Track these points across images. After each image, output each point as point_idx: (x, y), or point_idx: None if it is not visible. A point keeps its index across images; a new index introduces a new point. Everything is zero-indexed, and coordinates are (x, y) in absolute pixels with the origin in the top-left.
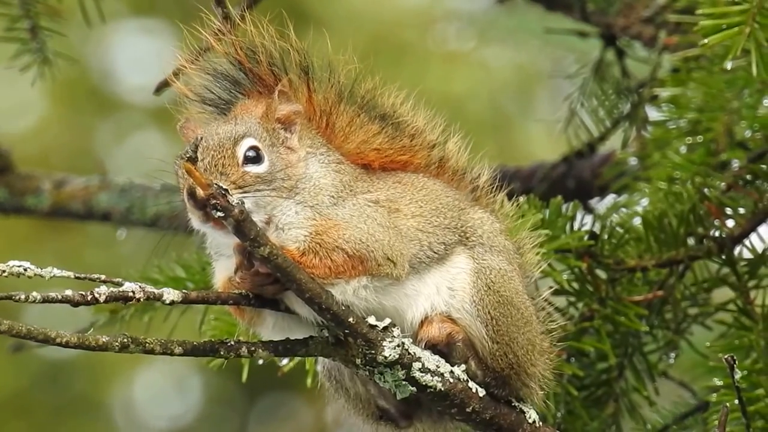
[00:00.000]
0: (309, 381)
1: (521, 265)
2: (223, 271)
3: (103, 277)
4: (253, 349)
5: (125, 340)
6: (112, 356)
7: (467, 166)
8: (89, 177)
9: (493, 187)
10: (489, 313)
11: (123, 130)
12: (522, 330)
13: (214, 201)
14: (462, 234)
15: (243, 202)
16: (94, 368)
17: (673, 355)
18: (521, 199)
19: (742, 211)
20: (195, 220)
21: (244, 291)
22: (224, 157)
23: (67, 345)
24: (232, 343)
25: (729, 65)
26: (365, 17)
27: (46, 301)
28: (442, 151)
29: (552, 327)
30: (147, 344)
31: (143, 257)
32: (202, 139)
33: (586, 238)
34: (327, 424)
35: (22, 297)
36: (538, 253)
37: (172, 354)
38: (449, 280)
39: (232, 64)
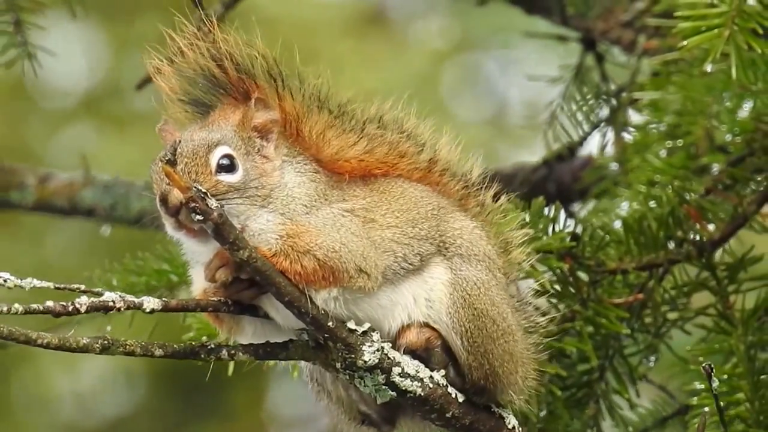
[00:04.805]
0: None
1: (506, 264)
2: (201, 278)
3: (83, 287)
4: (233, 352)
5: (106, 341)
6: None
7: (458, 165)
8: (73, 173)
9: (483, 185)
10: (464, 325)
11: (55, 120)
12: (498, 342)
13: (193, 204)
14: (441, 244)
15: (222, 206)
16: (32, 361)
17: (653, 358)
18: (502, 198)
19: (721, 215)
20: (168, 227)
21: (222, 298)
22: (197, 165)
23: (47, 346)
24: (213, 346)
25: (708, 68)
26: (279, 21)
27: (28, 312)
28: (430, 154)
29: (537, 327)
30: (128, 346)
31: (75, 252)
32: (180, 142)
33: (567, 239)
34: (264, 424)
35: (5, 309)
36: (523, 252)
37: (152, 356)
38: (427, 290)
39: (202, 71)
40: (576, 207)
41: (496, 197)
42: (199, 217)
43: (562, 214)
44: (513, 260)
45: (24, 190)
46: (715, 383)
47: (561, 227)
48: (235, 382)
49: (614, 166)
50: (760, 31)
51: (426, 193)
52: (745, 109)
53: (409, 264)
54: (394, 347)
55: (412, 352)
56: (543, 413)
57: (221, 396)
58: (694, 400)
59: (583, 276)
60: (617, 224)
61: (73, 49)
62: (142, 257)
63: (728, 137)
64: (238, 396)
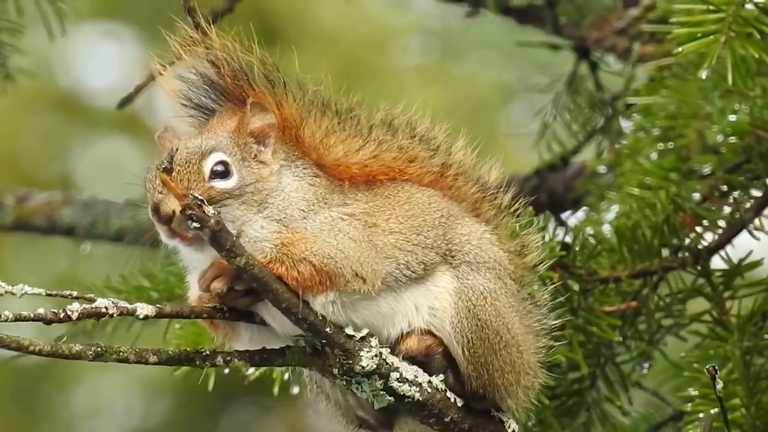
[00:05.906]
0: (276, 389)
1: (520, 268)
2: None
3: (75, 293)
4: (228, 358)
5: (99, 348)
6: (78, 362)
7: (473, 169)
8: (52, 192)
9: (500, 188)
10: (466, 336)
11: (91, 135)
12: (499, 354)
13: (189, 212)
14: (447, 252)
15: (219, 213)
16: (60, 374)
17: (646, 365)
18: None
19: (718, 222)
20: (162, 236)
21: (217, 304)
22: (190, 172)
23: (40, 353)
24: (208, 352)
25: (704, 74)
26: (335, 37)
27: (18, 319)
28: (444, 158)
29: (548, 329)
30: (121, 353)
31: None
32: (176, 151)
33: (557, 248)
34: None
35: None
36: (539, 255)
37: (146, 363)
38: (431, 299)
39: (201, 76)
40: (566, 215)
41: (514, 200)
42: (196, 224)
43: (552, 224)
44: (528, 264)
45: (2, 210)
46: (720, 385)
47: (551, 236)
48: (273, 403)
49: (603, 169)
50: (758, 36)
51: (434, 198)
52: (738, 110)
53: (412, 272)
54: (392, 353)
55: (412, 358)
56: (532, 422)
57: (255, 401)
58: (689, 407)
59: (573, 285)
60: (607, 229)
61: (112, 66)
62: (122, 273)
63: (719, 138)
64: (272, 401)
